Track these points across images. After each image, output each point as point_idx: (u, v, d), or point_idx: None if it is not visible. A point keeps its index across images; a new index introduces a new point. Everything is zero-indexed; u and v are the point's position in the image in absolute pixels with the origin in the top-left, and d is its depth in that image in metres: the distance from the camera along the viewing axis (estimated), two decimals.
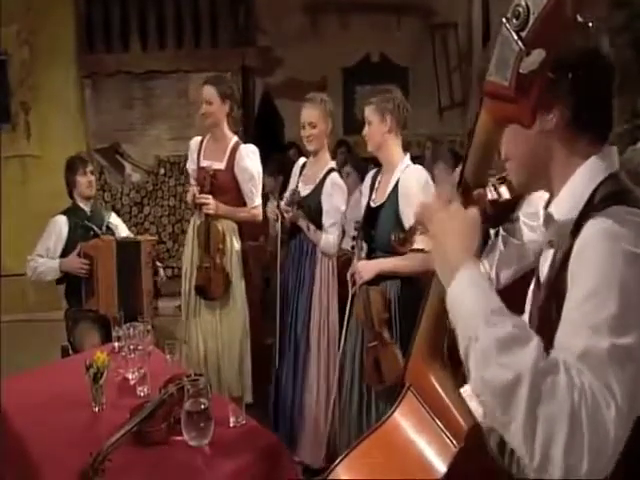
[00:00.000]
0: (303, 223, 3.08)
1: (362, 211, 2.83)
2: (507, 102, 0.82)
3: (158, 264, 3.51)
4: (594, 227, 0.85)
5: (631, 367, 0.77)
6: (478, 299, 0.87)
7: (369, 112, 2.68)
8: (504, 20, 0.80)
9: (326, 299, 3.08)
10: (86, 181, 3.45)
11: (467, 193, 0.98)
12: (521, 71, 0.78)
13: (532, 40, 0.77)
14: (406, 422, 1.10)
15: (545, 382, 0.76)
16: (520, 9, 0.77)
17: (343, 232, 3.21)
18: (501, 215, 1.31)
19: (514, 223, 1.54)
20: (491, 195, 1.08)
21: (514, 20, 0.78)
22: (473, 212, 0.96)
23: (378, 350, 2.60)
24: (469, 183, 0.98)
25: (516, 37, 0.78)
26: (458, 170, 1.01)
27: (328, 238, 3.03)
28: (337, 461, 1.11)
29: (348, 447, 2.93)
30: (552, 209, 0.98)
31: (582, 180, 0.94)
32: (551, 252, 0.98)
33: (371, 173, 2.91)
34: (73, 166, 3.47)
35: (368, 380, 2.67)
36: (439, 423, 1.03)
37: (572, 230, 0.89)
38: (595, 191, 0.91)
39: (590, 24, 0.83)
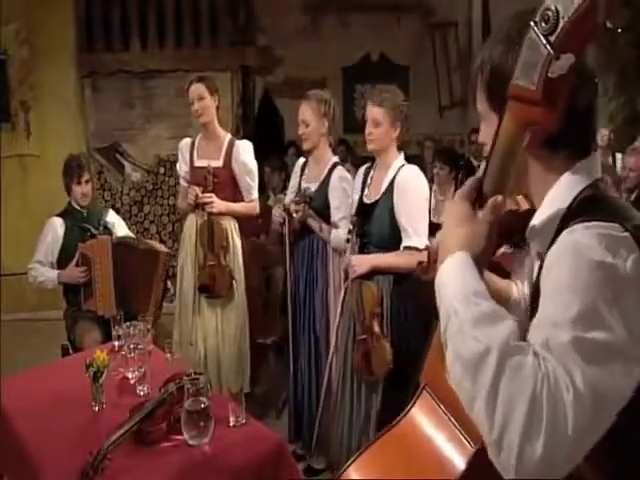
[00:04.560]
0: (314, 223, 3.05)
1: (354, 206, 2.83)
2: (533, 105, 0.82)
3: (169, 284, 3.48)
4: (563, 241, 0.87)
5: (605, 363, 0.77)
6: (462, 281, 0.90)
7: (380, 114, 2.61)
8: (532, 24, 0.79)
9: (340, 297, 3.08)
10: (80, 192, 3.39)
11: (484, 200, 0.98)
12: (550, 75, 0.78)
13: (561, 44, 0.77)
14: (422, 421, 1.10)
15: (512, 359, 0.78)
16: (550, 13, 0.76)
17: None
18: (521, 226, 1.31)
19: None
20: (509, 205, 1.08)
21: (543, 24, 0.78)
22: (482, 215, 0.97)
23: (368, 343, 2.62)
24: (488, 190, 0.98)
25: (545, 41, 0.78)
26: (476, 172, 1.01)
27: (339, 233, 3.00)
28: (349, 461, 1.11)
29: (340, 441, 2.92)
30: (535, 221, 0.99)
31: (562, 190, 0.95)
32: (538, 264, 0.99)
33: (363, 169, 2.90)
34: (69, 171, 3.41)
35: (357, 372, 2.69)
36: (455, 423, 1.03)
37: (551, 242, 0.91)
38: (574, 201, 0.93)
39: (619, 30, 0.83)
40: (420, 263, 1.93)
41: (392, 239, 2.63)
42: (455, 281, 0.91)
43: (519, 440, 0.75)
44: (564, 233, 0.87)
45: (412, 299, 2.64)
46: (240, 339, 3.41)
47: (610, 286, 0.80)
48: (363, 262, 2.65)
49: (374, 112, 2.63)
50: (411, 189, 2.61)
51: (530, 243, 1.04)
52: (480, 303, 0.86)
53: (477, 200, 0.99)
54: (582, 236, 0.84)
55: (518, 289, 1.25)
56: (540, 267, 0.94)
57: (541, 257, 0.97)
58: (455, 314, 0.87)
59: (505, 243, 1.25)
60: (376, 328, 2.61)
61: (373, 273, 2.65)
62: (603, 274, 0.80)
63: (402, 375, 2.49)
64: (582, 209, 0.90)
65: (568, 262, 0.83)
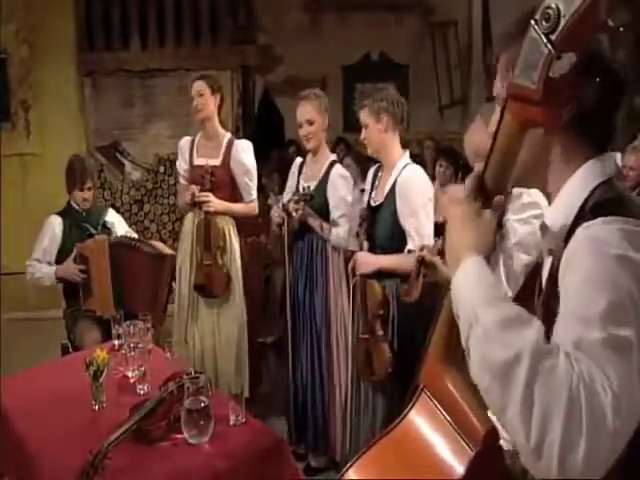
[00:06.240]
0: (313, 221, 3.04)
1: (365, 207, 2.81)
2: (533, 105, 0.81)
3: (174, 285, 3.45)
4: (581, 236, 0.86)
5: (631, 359, 0.76)
6: (480, 286, 0.89)
7: (364, 115, 2.66)
8: (532, 22, 0.78)
9: (340, 296, 3.08)
10: (81, 197, 3.39)
11: (486, 198, 0.98)
12: (551, 74, 0.78)
13: (562, 43, 0.76)
14: (421, 424, 1.10)
15: (544, 363, 0.76)
16: (550, 11, 0.75)
17: None
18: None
19: (503, 228, 1.55)
20: None
21: (544, 22, 0.76)
22: (488, 213, 0.97)
23: (369, 343, 2.60)
24: (489, 188, 0.97)
25: (545, 40, 0.77)
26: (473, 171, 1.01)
27: (338, 231, 3.01)
28: (349, 464, 1.10)
29: (349, 441, 2.89)
30: (547, 218, 0.99)
31: (575, 188, 0.94)
32: (550, 260, 0.98)
33: (373, 169, 2.88)
34: (72, 176, 3.39)
35: (360, 372, 2.68)
36: (455, 426, 1.03)
37: (565, 238, 0.90)
38: (587, 199, 0.92)
39: (621, 28, 0.82)
40: (402, 287, 1.93)
41: (397, 242, 2.60)
42: (473, 287, 0.90)
43: (560, 446, 0.73)
44: (581, 228, 0.86)
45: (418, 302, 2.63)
46: (238, 339, 3.39)
47: (633, 280, 0.79)
48: (369, 262, 2.62)
49: (360, 116, 2.69)
50: (412, 191, 2.57)
51: (541, 239, 1.03)
52: (502, 307, 0.84)
53: (478, 198, 0.99)
54: (600, 231, 0.83)
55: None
56: (553, 265, 0.94)
57: (553, 254, 0.97)
58: (477, 320, 0.85)
59: None
60: (378, 329, 2.59)
61: (379, 276, 2.62)
62: (625, 268, 0.79)
63: (410, 380, 2.48)
64: (598, 205, 0.89)
65: (589, 257, 0.82)
